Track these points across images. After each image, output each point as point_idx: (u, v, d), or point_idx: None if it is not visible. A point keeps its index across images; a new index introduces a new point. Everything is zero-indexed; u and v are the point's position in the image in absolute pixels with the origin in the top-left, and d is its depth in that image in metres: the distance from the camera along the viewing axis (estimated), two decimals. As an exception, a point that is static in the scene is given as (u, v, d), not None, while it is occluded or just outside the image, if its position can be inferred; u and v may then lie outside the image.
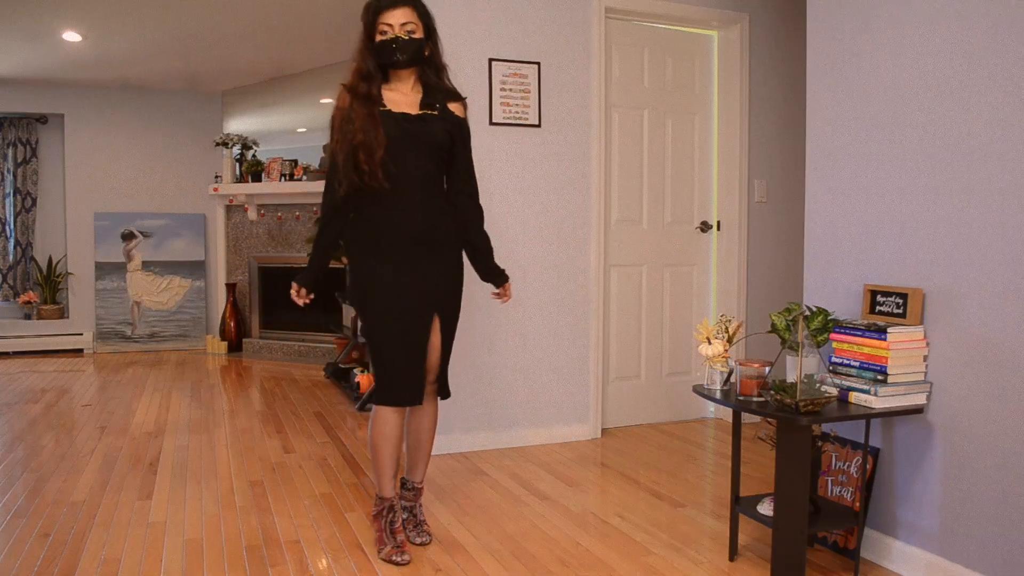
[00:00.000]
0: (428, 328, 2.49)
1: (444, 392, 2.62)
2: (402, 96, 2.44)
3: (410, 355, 2.45)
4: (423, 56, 2.41)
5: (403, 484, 2.70)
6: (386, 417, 2.48)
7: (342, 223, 2.48)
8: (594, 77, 3.92)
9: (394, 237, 2.42)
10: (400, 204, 2.41)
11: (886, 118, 2.45)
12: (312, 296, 2.50)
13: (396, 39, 2.35)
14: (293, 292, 2.49)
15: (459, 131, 2.49)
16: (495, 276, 2.64)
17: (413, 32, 2.37)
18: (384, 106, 2.39)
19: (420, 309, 2.46)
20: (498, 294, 2.70)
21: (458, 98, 2.50)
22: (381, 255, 2.43)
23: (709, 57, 4.34)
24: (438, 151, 2.44)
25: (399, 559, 2.46)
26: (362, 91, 2.37)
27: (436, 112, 2.44)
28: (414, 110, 2.42)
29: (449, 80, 2.51)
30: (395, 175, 2.37)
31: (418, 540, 2.62)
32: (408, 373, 2.46)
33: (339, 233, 2.50)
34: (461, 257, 2.59)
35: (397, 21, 2.35)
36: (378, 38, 2.38)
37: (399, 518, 2.56)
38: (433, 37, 2.45)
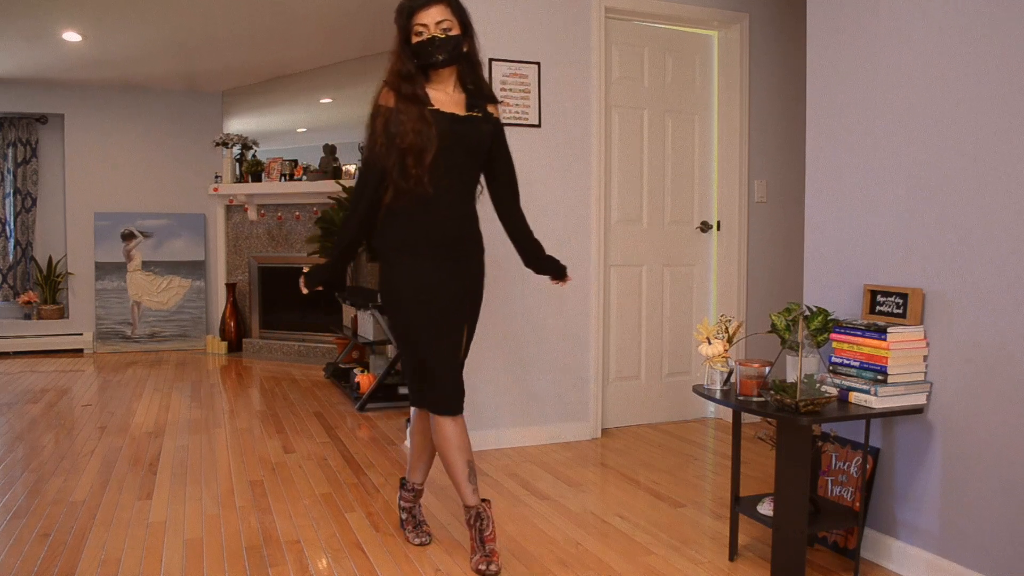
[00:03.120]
0: (463, 332, 2.43)
1: None
2: (446, 96, 2.36)
3: (454, 357, 2.38)
4: (462, 53, 2.34)
5: (402, 484, 2.67)
6: (449, 426, 2.36)
7: (370, 227, 2.39)
8: (594, 77, 3.92)
9: (432, 240, 2.35)
10: (440, 208, 2.34)
11: (885, 118, 2.45)
12: (319, 288, 2.43)
13: (433, 39, 2.27)
14: (302, 282, 2.42)
15: (499, 133, 2.46)
16: (550, 269, 2.60)
17: (450, 30, 2.29)
18: (432, 106, 2.31)
19: (457, 312, 2.41)
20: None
21: (494, 100, 2.46)
22: (420, 257, 2.35)
23: (709, 57, 4.34)
24: (481, 154, 2.40)
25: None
26: (407, 91, 2.29)
27: (480, 115, 2.39)
28: (461, 111, 2.36)
29: (483, 78, 2.45)
30: (439, 178, 2.30)
31: (417, 540, 2.61)
32: (456, 376, 2.38)
33: (365, 235, 2.41)
34: (484, 262, 2.54)
35: (432, 20, 2.27)
36: (414, 39, 2.30)
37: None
38: (469, 33, 2.36)
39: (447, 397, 2.35)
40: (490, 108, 2.42)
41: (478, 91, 2.40)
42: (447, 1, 2.31)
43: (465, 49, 2.35)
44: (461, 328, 2.42)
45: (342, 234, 2.42)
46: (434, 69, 2.33)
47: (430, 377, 2.36)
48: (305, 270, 2.43)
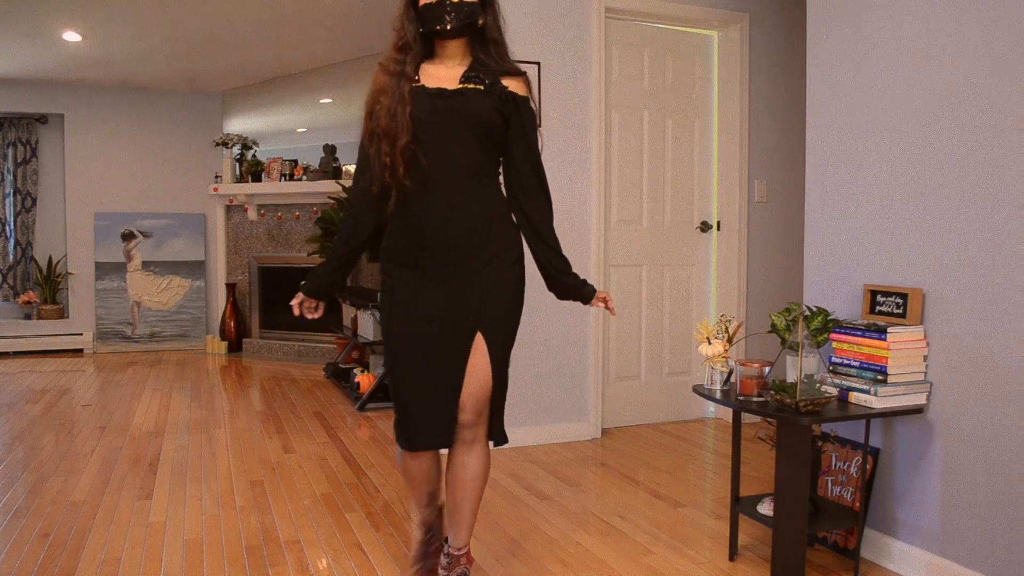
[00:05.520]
0: (461, 356, 1.99)
1: (499, 436, 2.09)
2: (446, 71, 1.98)
3: (430, 390, 1.98)
4: (475, 25, 1.96)
5: (445, 543, 2.20)
6: (407, 459, 2.07)
7: (367, 231, 2.05)
8: (594, 77, 3.92)
9: (419, 244, 1.97)
10: (435, 204, 1.94)
11: (885, 118, 2.45)
12: (319, 311, 2.11)
13: (443, 2, 1.91)
14: (295, 302, 2.09)
15: (514, 109, 2.00)
16: (574, 294, 2.11)
17: None
18: (418, 81, 1.95)
19: (451, 334, 1.98)
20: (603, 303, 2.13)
21: (516, 72, 2.01)
22: (408, 267, 2.00)
23: (709, 57, 4.34)
24: (483, 134, 1.96)
25: None
26: (396, 68, 1.95)
27: (482, 87, 1.96)
28: (453, 84, 1.96)
29: (504, 55, 2.03)
30: (426, 168, 1.92)
31: None
32: (427, 412, 1.98)
33: (362, 243, 2.07)
34: (521, 267, 2.08)
35: None
36: (422, 1, 1.95)
37: (435, 541, 2.20)
38: (488, 2, 1.99)
39: (410, 433, 2.01)
40: (507, 81, 1.99)
41: (493, 64, 2.00)
42: None
43: (481, 22, 1.97)
44: (456, 356, 1.99)
45: (339, 239, 2.09)
46: (440, 39, 1.98)
47: (398, 407, 2.03)
48: (295, 299, 2.11)
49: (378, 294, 2.08)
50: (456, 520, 2.12)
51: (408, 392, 1.99)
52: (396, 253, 2.01)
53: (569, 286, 2.11)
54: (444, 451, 2.09)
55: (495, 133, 1.99)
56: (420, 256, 1.98)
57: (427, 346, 1.97)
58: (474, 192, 1.98)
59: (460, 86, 1.96)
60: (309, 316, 2.12)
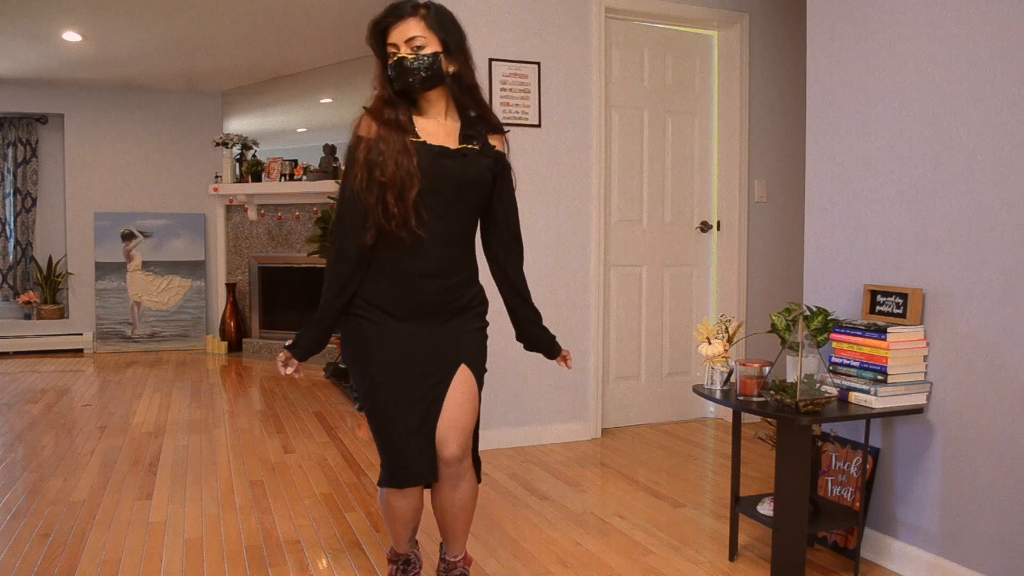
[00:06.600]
0: (442, 392, 2.00)
1: (479, 470, 2.12)
2: (437, 125, 2.00)
3: (415, 423, 1.96)
4: (443, 74, 1.95)
5: (440, 549, 2.24)
6: (394, 499, 2.03)
7: (358, 282, 1.98)
8: (594, 77, 3.92)
9: (411, 297, 1.97)
10: (425, 259, 1.96)
11: (885, 119, 2.45)
12: (299, 371, 2.03)
13: (401, 60, 1.92)
14: (287, 371, 2.00)
15: (502, 170, 2.05)
16: (542, 347, 2.20)
17: (422, 47, 1.91)
18: (418, 136, 1.95)
19: (433, 368, 1.99)
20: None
21: (499, 130, 2.07)
22: (386, 312, 1.98)
23: (709, 57, 4.34)
24: (479, 195, 2.01)
25: None
26: (389, 117, 1.94)
27: (478, 147, 2.00)
28: (453, 143, 1.98)
29: (483, 102, 2.06)
30: (424, 221, 1.92)
31: None
32: (414, 445, 1.96)
33: (352, 294, 1.99)
34: (486, 324, 2.14)
35: (401, 38, 1.91)
36: (390, 59, 1.95)
37: (413, 569, 2.22)
38: (454, 49, 1.96)
39: (403, 470, 1.97)
40: (492, 140, 2.04)
41: (479, 119, 2.04)
42: (421, 14, 1.93)
43: (451, 70, 1.96)
44: (428, 389, 1.99)
45: (331, 293, 1.97)
46: (416, 94, 1.98)
47: (387, 445, 1.99)
48: (287, 343, 2.01)
49: (354, 332, 2.03)
50: (450, 536, 2.14)
51: (393, 427, 1.97)
52: (374, 297, 1.99)
53: (541, 339, 2.19)
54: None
55: (486, 193, 2.04)
56: (401, 304, 1.98)
57: (409, 380, 1.98)
58: (459, 252, 2.02)
59: (462, 146, 1.99)
60: (297, 376, 2.07)
